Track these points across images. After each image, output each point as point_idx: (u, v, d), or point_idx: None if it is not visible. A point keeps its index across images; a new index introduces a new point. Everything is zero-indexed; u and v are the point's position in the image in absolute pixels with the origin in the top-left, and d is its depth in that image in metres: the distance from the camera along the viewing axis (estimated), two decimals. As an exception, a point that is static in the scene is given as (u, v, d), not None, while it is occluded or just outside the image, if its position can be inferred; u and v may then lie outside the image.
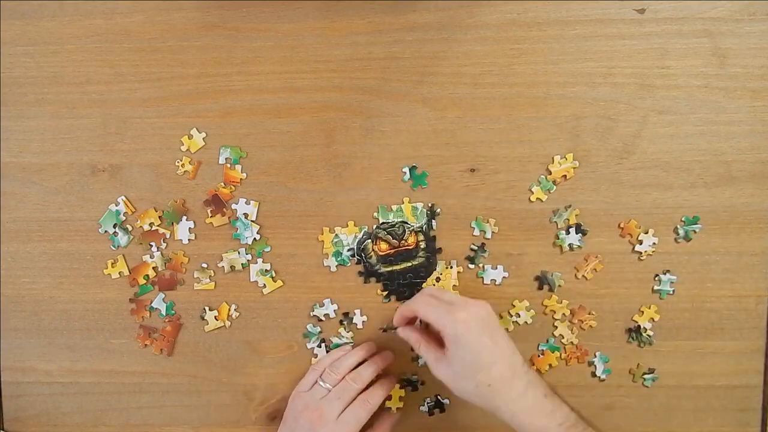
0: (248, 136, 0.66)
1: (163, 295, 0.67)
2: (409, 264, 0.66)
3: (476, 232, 0.65)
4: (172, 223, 0.67)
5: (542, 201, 0.65)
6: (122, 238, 0.67)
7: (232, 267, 0.66)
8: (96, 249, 0.67)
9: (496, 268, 0.66)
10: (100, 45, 0.66)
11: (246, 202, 0.66)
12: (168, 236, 0.67)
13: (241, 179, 0.66)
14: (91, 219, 0.67)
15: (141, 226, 0.67)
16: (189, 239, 0.67)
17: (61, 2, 0.66)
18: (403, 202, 0.65)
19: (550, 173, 0.64)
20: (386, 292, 0.67)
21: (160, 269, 0.67)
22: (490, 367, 0.55)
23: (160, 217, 0.67)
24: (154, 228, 0.67)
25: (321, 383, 0.62)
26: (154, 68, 0.66)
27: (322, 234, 0.66)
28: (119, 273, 0.67)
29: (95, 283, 0.68)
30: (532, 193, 0.65)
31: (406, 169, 0.65)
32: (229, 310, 0.67)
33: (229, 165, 0.66)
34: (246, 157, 0.66)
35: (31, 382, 0.69)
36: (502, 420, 0.55)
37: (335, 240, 0.66)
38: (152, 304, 0.67)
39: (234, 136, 0.66)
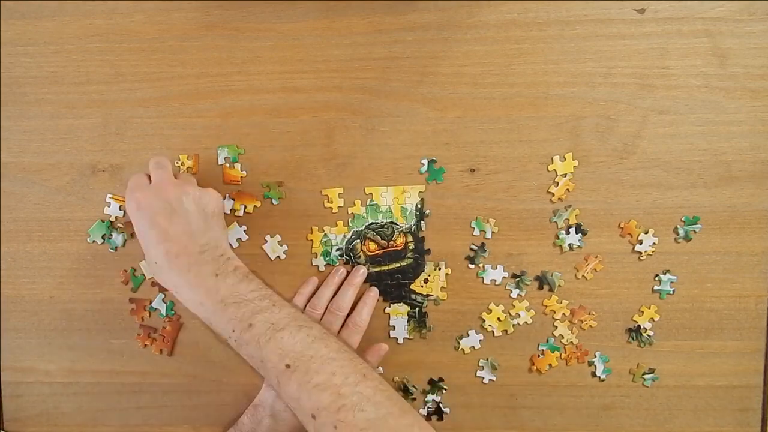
0: (248, 136, 0.66)
1: (163, 295, 0.67)
2: (398, 265, 0.66)
3: (476, 232, 0.65)
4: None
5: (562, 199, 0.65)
6: (117, 238, 0.67)
7: None
8: (96, 249, 0.67)
9: (496, 268, 0.66)
10: (100, 45, 0.66)
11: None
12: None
13: (241, 177, 0.66)
14: (91, 219, 0.67)
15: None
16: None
17: (61, 2, 0.66)
18: (391, 205, 0.66)
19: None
20: None
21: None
22: (157, 245, 0.56)
23: None
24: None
25: None
26: (154, 68, 0.66)
27: (311, 233, 0.66)
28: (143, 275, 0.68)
29: (95, 283, 0.68)
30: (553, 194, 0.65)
31: (425, 161, 0.65)
32: None
33: (228, 164, 0.66)
34: (244, 154, 0.66)
35: (31, 382, 0.69)
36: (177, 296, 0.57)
37: (324, 239, 0.66)
38: (152, 305, 0.68)
39: (234, 137, 0.66)
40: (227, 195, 0.66)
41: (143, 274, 0.67)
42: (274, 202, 0.66)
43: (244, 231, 0.66)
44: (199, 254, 0.56)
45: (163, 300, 0.67)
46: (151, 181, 0.59)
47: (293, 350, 0.52)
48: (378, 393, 0.52)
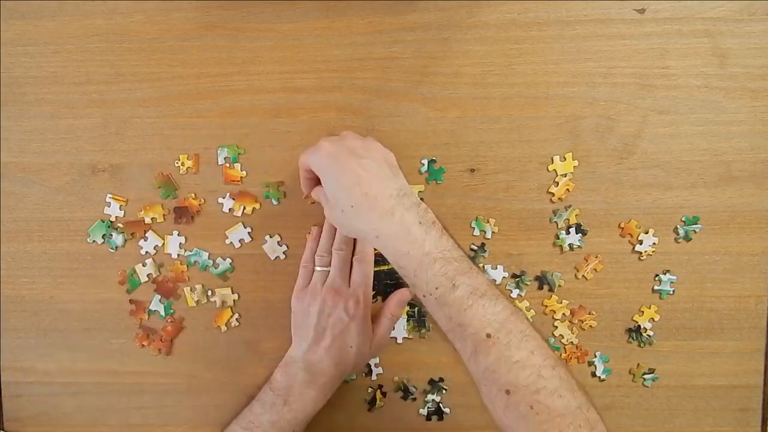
0: (248, 136, 0.66)
1: (159, 296, 0.67)
2: None
3: (476, 232, 0.65)
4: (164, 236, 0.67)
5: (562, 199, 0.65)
6: (117, 238, 0.67)
7: (224, 302, 0.67)
8: (96, 249, 0.67)
9: (496, 268, 0.66)
10: (100, 45, 0.66)
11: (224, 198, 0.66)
12: (160, 245, 0.67)
13: (241, 177, 0.66)
14: (91, 219, 0.67)
15: (142, 218, 0.67)
16: (178, 254, 0.67)
17: (61, 2, 0.66)
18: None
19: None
20: (373, 293, 0.66)
21: (154, 275, 0.67)
22: (352, 187, 0.54)
23: (162, 205, 0.67)
24: (139, 218, 0.67)
25: (318, 269, 0.63)
26: (154, 68, 0.66)
27: (310, 233, 0.66)
28: (147, 275, 0.67)
29: (95, 283, 0.68)
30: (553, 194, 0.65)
31: (425, 161, 0.65)
32: (230, 318, 0.67)
33: (228, 164, 0.66)
34: (244, 154, 0.66)
35: (31, 382, 0.69)
36: (372, 245, 0.57)
37: None
38: (150, 307, 0.67)
39: (234, 137, 0.66)
40: (227, 194, 0.66)
41: (140, 277, 0.67)
42: (274, 202, 0.66)
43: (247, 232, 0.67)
44: (399, 198, 0.55)
45: (160, 301, 0.67)
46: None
47: (495, 320, 0.51)
48: (572, 380, 0.51)
